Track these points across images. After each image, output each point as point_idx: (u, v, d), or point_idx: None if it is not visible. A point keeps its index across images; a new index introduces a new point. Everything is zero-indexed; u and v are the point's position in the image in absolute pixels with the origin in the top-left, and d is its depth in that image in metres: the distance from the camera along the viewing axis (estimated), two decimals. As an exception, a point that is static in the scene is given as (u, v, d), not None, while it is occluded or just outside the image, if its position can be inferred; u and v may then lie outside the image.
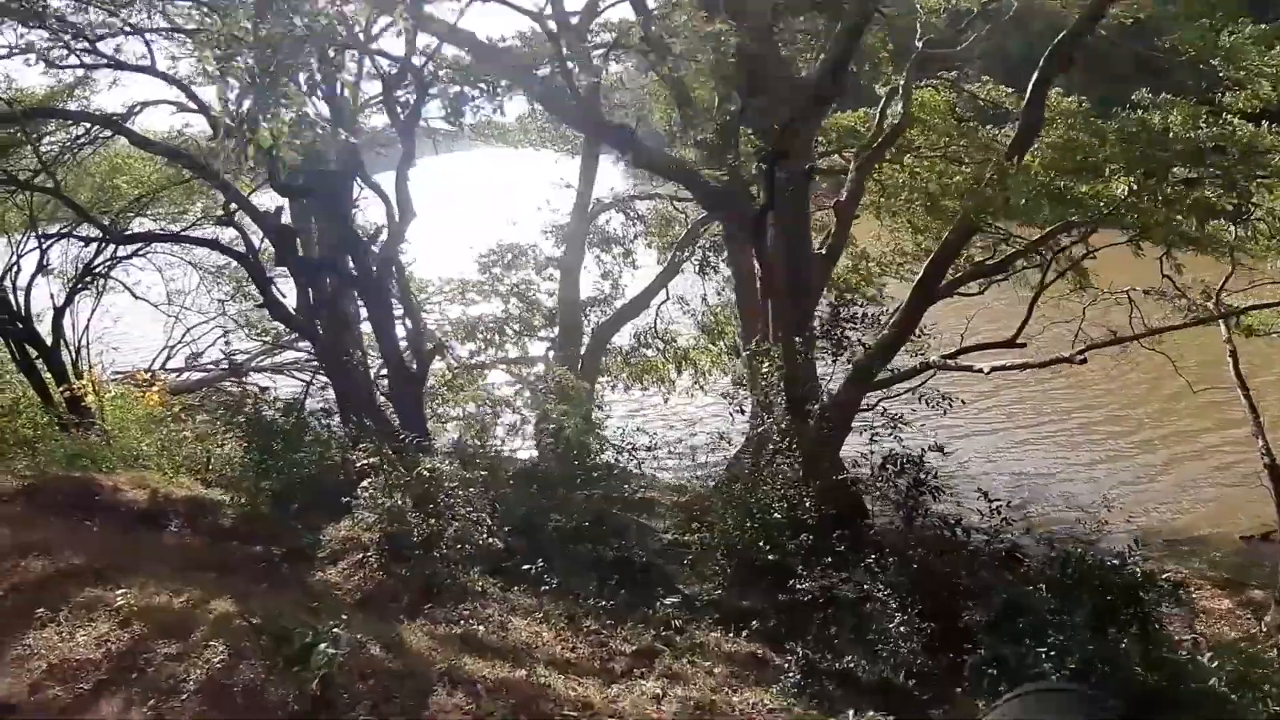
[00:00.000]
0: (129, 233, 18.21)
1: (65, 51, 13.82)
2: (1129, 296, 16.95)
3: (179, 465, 15.56)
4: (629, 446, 13.82)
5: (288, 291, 16.95)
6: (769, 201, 10.53)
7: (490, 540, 11.60)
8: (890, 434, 11.52)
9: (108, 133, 17.49)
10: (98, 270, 19.24)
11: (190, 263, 22.44)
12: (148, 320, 25.92)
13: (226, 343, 25.50)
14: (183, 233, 18.70)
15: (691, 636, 10.14)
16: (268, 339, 24.98)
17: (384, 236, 13.90)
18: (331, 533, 12.41)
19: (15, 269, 19.02)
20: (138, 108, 16.85)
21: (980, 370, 11.93)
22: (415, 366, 13.64)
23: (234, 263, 22.99)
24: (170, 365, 26.61)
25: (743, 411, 13.54)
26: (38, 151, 15.86)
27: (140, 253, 19.84)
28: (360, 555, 11.24)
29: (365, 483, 14.60)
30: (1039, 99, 14.07)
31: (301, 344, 26.44)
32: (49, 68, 14.57)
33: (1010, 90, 18.46)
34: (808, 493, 11.19)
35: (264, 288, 15.24)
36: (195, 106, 17.12)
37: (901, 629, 9.73)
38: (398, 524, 11.82)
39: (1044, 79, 13.87)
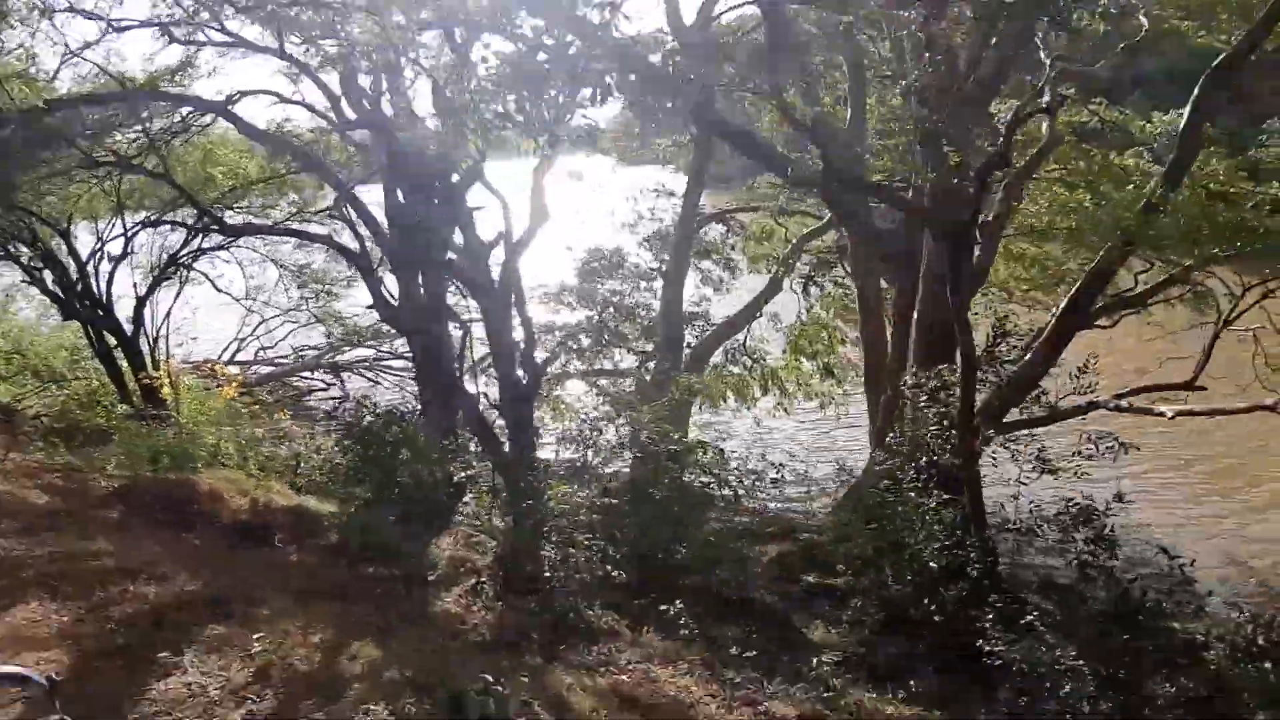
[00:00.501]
0: (244, 224, 17.03)
1: (191, 28, 12.70)
2: (1254, 336, 15.44)
3: (262, 466, 14.41)
4: (749, 473, 12.47)
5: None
6: (975, 213, 9.05)
7: (615, 572, 10.30)
8: (1064, 476, 10.11)
9: (205, 120, 16.38)
10: (182, 260, 18.09)
11: (272, 259, 21.25)
12: (214, 312, 24.82)
13: (329, 341, 24.39)
14: (293, 226, 17.39)
15: (847, 697, 8.74)
16: (342, 337, 23.86)
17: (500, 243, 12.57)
18: (437, 552, 11.18)
19: (100, 255, 17.90)
20: (236, 96, 15.66)
21: (1163, 414, 10.44)
22: (526, 379, 12.35)
23: (314, 261, 22.02)
24: (239, 358, 25.54)
25: (886, 442, 12.08)
26: (149, 134, 14.71)
27: (226, 245, 18.70)
28: (474, 581, 9.99)
29: (469, 498, 13.43)
30: (1197, 124, 12.63)
31: (371, 343, 25.45)
32: (174, 43, 13.46)
33: (1123, 112, 17.07)
34: (972, 540, 9.79)
35: (374, 286, 13.98)
36: (299, 99, 16.02)
37: (1096, 704, 8.31)
38: (514, 549, 10.57)
39: (1203, 102, 12.43)
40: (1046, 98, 12.08)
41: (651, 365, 16.97)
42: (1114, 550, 9.78)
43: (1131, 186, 14.26)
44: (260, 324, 24.82)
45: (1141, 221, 11.38)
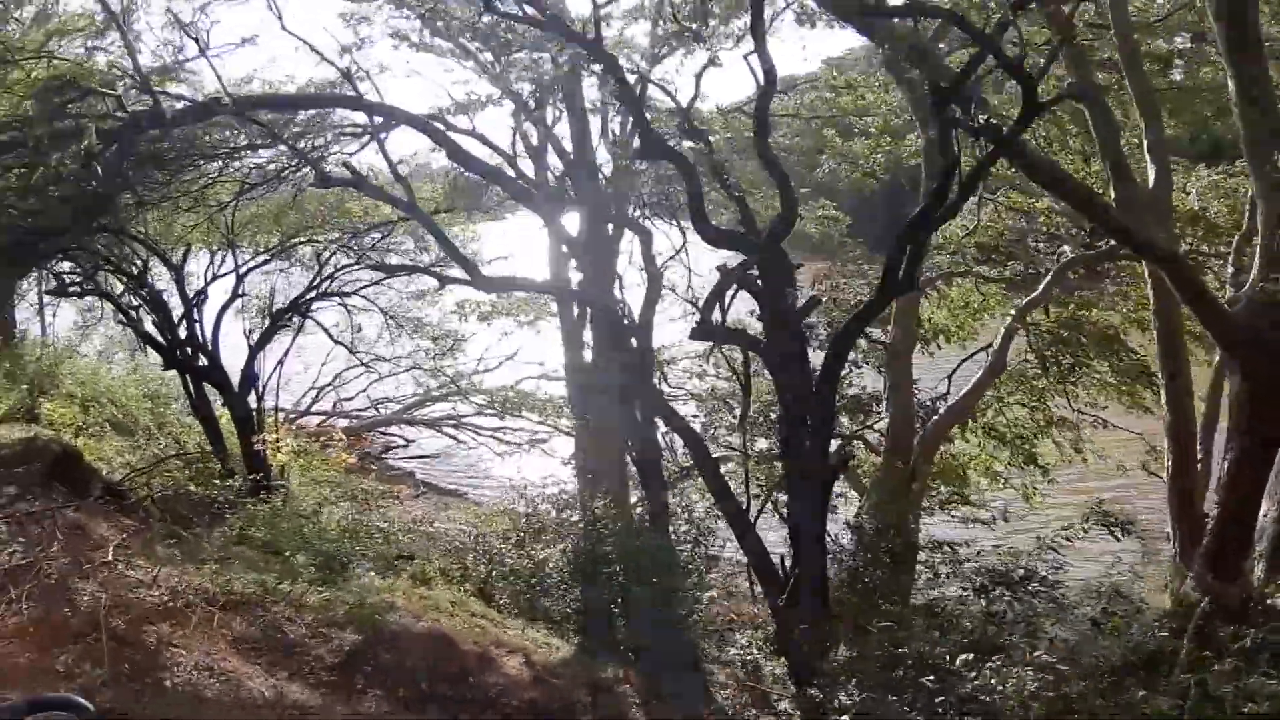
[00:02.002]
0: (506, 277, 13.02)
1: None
2: None
3: (444, 572, 10.45)
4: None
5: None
6: None
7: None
8: None
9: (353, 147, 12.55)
10: (302, 306, 14.08)
11: (382, 310, 17.11)
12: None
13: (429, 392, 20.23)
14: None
15: None
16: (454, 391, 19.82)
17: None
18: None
19: (203, 297, 13.81)
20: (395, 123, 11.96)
21: None
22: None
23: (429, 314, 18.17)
24: (315, 409, 21.29)
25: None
26: (385, 149, 10.72)
27: (352, 292, 14.74)
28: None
29: (743, 640, 9.58)
30: None
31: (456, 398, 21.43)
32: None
33: None
34: None
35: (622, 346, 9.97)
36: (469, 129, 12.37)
37: None
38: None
39: None
40: None
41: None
42: None
43: None
44: (342, 373, 20.66)
45: None
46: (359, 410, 21.80)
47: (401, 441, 22.23)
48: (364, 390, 21.42)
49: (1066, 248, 14.56)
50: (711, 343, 8.98)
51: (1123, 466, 15.89)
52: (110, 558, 7.39)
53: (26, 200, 10.25)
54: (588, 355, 13.28)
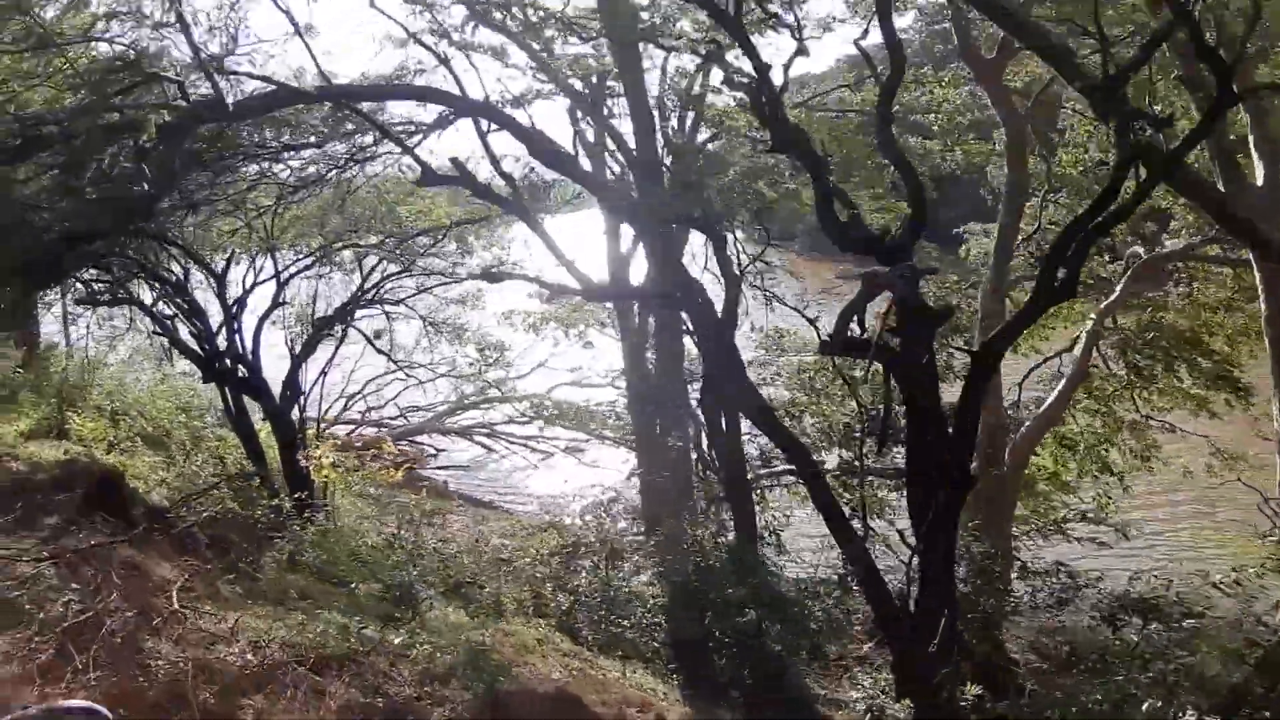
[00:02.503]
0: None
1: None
2: None
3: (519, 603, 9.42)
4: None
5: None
6: None
7: None
8: None
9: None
10: (348, 314, 13.03)
11: (422, 316, 16.02)
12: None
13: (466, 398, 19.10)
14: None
15: None
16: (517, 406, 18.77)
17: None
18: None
19: (241, 305, 12.74)
20: (451, 115, 10.93)
21: None
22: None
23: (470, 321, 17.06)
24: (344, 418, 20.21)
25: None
26: (489, 145, 9.56)
27: (398, 300, 13.69)
28: None
29: (867, 681, 8.54)
30: None
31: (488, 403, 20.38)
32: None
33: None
34: None
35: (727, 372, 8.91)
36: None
37: None
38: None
39: None
40: None
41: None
42: None
43: None
44: (374, 380, 19.59)
45: None
46: (389, 419, 20.75)
47: (431, 451, 21.19)
48: (394, 399, 20.39)
49: (1139, 249, 13.68)
50: (855, 357, 8.00)
51: (1189, 472, 15.04)
52: (176, 605, 6.38)
53: (62, 203, 9.21)
54: (650, 366, 12.32)
